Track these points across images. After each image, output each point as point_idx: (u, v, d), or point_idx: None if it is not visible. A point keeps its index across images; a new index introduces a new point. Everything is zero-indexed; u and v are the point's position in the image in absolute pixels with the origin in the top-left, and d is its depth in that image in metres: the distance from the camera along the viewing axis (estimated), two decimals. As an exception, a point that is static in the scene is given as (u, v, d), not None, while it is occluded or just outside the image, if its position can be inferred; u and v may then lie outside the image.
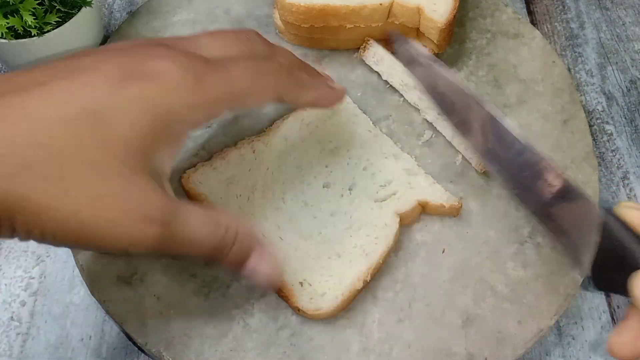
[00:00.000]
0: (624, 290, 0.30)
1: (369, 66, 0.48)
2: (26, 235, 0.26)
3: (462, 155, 0.44)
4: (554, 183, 0.34)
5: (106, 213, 0.27)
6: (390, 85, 0.47)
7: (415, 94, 0.46)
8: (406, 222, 0.40)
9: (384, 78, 0.47)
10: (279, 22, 0.49)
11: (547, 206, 0.34)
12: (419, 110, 0.46)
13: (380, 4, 0.44)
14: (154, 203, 0.28)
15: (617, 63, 0.55)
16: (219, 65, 0.31)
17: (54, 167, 0.25)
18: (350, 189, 0.41)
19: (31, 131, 0.25)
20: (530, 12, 0.58)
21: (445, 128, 0.45)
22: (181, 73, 0.29)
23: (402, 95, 0.47)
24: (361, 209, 0.40)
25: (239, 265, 0.32)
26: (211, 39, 0.33)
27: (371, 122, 0.45)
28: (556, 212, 0.34)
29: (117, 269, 0.39)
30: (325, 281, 0.37)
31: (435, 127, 0.45)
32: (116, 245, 0.28)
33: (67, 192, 0.26)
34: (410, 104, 0.46)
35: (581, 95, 0.52)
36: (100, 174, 0.26)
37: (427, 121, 0.46)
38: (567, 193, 0.34)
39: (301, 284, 0.37)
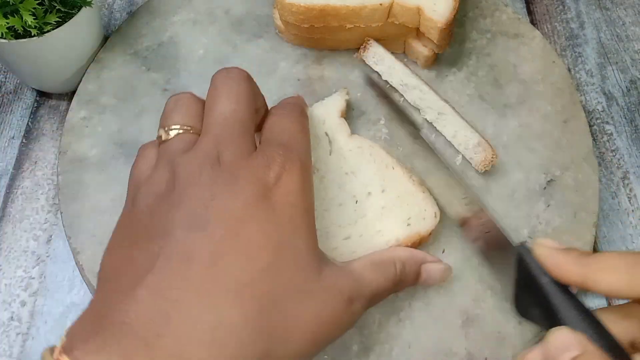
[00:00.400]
0: (544, 325, 0.31)
1: (369, 66, 0.48)
2: None
3: (462, 155, 0.44)
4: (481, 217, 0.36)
5: (324, 316, 0.28)
6: (390, 85, 0.47)
7: (415, 94, 0.46)
8: None
9: (384, 78, 0.47)
10: (279, 22, 0.49)
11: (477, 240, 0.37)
12: (419, 110, 0.46)
13: (380, 4, 0.44)
14: (345, 283, 0.30)
15: (617, 63, 0.55)
16: (289, 141, 0.32)
17: (277, 317, 0.26)
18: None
19: (245, 294, 0.26)
20: (530, 12, 0.58)
21: (445, 128, 0.45)
22: (293, 170, 0.30)
23: (402, 95, 0.47)
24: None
25: (416, 282, 0.35)
26: (231, 106, 0.32)
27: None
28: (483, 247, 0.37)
29: (117, 269, 0.39)
30: None
31: (435, 127, 0.45)
32: (341, 333, 0.30)
33: (294, 322, 0.27)
34: (410, 103, 0.46)
35: (581, 95, 0.52)
36: (307, 289, 0.28)
37: (427, 121, 0.46)
38: (490, 229, 0.35)
39: None
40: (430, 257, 0.36)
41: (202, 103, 0.33)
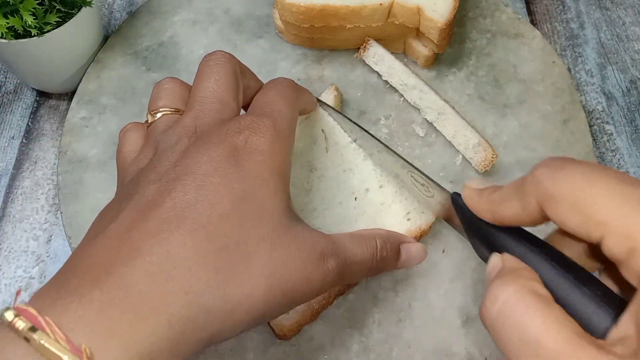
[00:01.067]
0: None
1: (369, 66, 0.48)
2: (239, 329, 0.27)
3: (462, 155, 0.44)
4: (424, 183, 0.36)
5: (291, 270, 0.28)
6: (390, 85, 0.47)
7: (415, 94, 0.46)
8: None
9: (384, 78, 0.47)
10: (279, 22, 0.49)
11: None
12: (419, 110, 0.46)
13: (380, 4, 0.44)
14: (318, 239, 0.30)
15: (617, 63, 0.55)
16: (268, 110, 0.32)
17: (236, 257, 0.27)
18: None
19: (204, 238, 0.26)
20: (530, 12, 0.58)
21: (445, 128, 0.45)
22: (265, 135, 0.30)
23: (402, 95, 0.47)
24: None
25: (395, 263, 0.34)
26: (214, 87, 0.33)
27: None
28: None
29: (117, 269, 0.39)
30: None
31: (435, 127, 0.45)
32: (312, 293, 0.29)
33: (257, 270, 0.27)
34: (410, 103, 0.46)
35: (581, 95, 0.52)
36: (271, 241, 0.28)
37: (427, 121, 0.46)
38: (432, 189, 0.36)
39: None
40: (408, 238, 0.36)
41: (187, 87, 0.35)
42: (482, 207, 0.29)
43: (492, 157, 0.42)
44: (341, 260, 0.30)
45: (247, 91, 0.35)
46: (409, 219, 0.39)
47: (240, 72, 0.35)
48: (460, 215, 0.33)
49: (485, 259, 0.33)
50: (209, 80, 0.33)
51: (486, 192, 0.30)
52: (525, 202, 0.26)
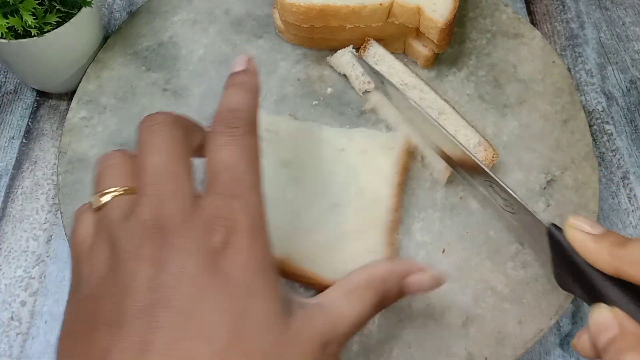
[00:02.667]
0: (586, 299, 0.31)
1: (370, 66, 0.48)
2: None
3: (462, 155, 0.44)
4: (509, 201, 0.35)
5: None
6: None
7: (415, 94, 0.46)
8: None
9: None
10: (279, 22, 0.49)
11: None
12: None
13: (380, 4, 0.44)
14: (318, 326, 0.28)
15: (617, 63, 0.55)
16: (231, 187, 0.28)
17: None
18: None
19: None
20: (530, 12, 0.58)
21: (446, 127, 0.45)
22: (243, 221, 0.27)
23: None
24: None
25: (402, 295, 0.32)
26: (161, 159, 0.29)
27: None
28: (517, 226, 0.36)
29: (117, 269, 0.39)
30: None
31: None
32: None
33: None
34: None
35: (581, 95, 0.52)
36: (278, 356, 0.26)
37: (427, 121, 0.46)
38: (518, 211, 0.35)
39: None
40: (414, 267, 0.32)
41: (134, 158, 0.30)
42: (601, 258, 0.28)
43: (493, 157, 0.42)
44: (343, 337, 0.28)
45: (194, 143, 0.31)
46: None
47: (187, 130, 0.30)
48: (554, 250, 0.32)
49: (569, 290, 0.33)
50: (158, 153, 0.28)
51: (606, 241, 0.29)
52: None
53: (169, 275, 0.25)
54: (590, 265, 0.29)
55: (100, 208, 0.29)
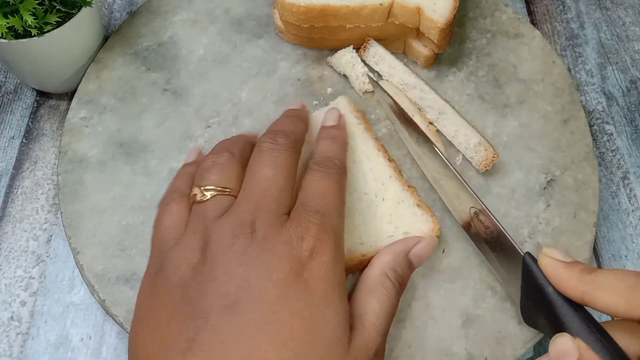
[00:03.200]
0: (550, 334, 0.31)
1: (370, 66, 0.48)
2: None
3: (463, 155, 0.44)
4: (489, 226, 0.37)
5: None
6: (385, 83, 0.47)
7: (415, 94, 0.46)
8: None
9: (385, 78, 0.47)
10: (279, 22, 0.49)
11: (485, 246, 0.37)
12: (419, 109, 0.46)
13: (380, 4, 0.44)
14: (368, 341, 0.30)
15: (617, 63, 0.55)
16: (319, 205, 0.31)
17: None
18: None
19: None
20: (530, 12, 0.58)
21: (446, 127, 0.45)
22: (325, 241, 0.29)
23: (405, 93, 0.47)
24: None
25: (411, 274, 0.35)
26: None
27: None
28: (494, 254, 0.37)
29: (117, 269, 0.39)
30: None
31: (436, 127, 0.45)
32: None
33: None
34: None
35: (581, 95, 0.52)
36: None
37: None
38: (499, 238, 0.36)
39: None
40: (411, 241, 0.36)
41: (241, 164, 0.33)
42: (571, 284, 0.29)
43: (493, 157, 0.42)
44: (384, 335, 0.31)
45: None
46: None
47: (299, 154, 0.34)
48: (526, 279, 0.33)
49: (533, 325, 0.34)
50: (272, 167, 0.31)
51: (576, 269, 0.30)
52: (634, 301, 0.27)
53: (255, 278, 0.27)
54: (558, 294, 0.30)
55: (199, 202, 0.31)
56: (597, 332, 0.28)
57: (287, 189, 0.31)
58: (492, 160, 0.42)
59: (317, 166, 0.34)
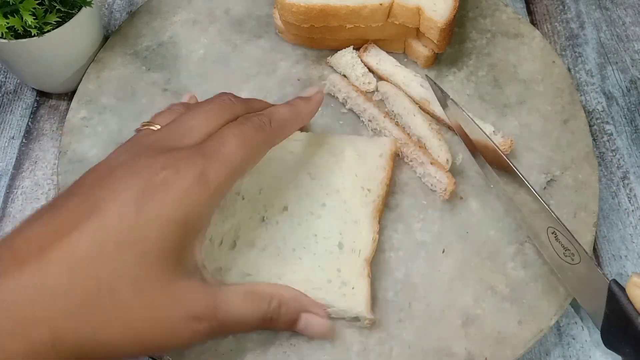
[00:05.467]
0: (631, 358, 0.31)
1: (370, 66, 0.48)
2: None
3: (463, 155, 0.44)
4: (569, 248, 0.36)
5: (158, 324, 0.29)
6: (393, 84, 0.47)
7: (416, 94, 0.46)
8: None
9: (384, 78, 0.47)
10: (279, 22, 0.49)
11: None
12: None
13: (381, 4, 0.44)
14: (197, 301, 0.30)
15: (617, 63, 0.55)
16: (213, 149, 0.32)
17: (105, 300, 0.28)
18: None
19: (80, 273, 0.28)
20: (530, 12, 0.58)
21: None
22: (186, 178, 0.30)
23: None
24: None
25: (291, 327, 0.35)
26: (197, 119, 0.34)
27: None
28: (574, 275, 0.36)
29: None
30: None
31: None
32: (174, 348, 0.31)
33: (122, 316, 0.28)
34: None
35: (581, 95, 0.52)
36: (144, 292, 0.29)
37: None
38: (581, 262, 0.36)
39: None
40: (316, 308, 0.35)
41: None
42: None
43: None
44: (217, 322, 0.31)
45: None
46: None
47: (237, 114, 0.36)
48: (611, 306, 0.32)
49: (616, 350, 0.33)
50: (205, 113, 0.35)
51: None
52: None
53: (114, 178, 0.30)
54: None
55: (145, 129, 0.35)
56: None
57: (202, 132, 0.33)
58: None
59: (244, 118, 0.35)
